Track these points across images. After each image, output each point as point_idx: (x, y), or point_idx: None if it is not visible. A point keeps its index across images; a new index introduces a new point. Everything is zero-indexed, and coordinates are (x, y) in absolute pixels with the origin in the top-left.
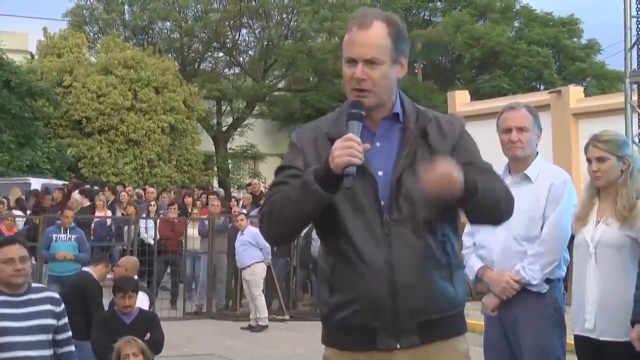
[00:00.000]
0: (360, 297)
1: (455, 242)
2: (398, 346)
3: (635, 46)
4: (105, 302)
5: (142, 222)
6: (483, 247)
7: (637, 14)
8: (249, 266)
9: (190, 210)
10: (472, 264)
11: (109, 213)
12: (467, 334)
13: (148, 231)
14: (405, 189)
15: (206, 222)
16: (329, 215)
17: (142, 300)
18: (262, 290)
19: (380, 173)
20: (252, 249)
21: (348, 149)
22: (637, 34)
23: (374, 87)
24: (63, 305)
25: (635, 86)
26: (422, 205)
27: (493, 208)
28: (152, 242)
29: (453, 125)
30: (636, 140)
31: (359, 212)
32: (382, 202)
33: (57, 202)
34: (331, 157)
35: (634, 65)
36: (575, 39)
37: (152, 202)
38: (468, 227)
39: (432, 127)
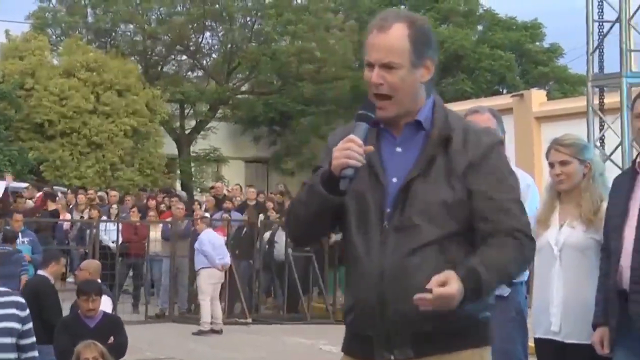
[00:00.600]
0: (357, 304)
1: (466, 250)
2: (392, 358)
3: (597, 50)
4: (66, 306)
5: (102, 226)
6: None
7: (599, 18)
8: (198, 271)
9: (150, 214)
10: None
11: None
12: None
13: (109, 234)
14: (412, 197)
15: (170, 226)
16: (342, 220)
17: (105, 304)
18: (217, 296)
19: (394, 180)
20: (200, 254)
21: (346, 151)
22: (599, 38)
23: (391, 92)
24: (28, 311)
25: (597, 90)
26: (427, 216)
27: (501, 282)
28: (112, 245)
29: (480, 141)
30: (598, 144)
31: (364, 218)
32: (388, 210)
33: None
34: (332, 158)
35: (596, 69)
36: (538, 43)
37: (114, 205)
38: None
39: (458, 136)
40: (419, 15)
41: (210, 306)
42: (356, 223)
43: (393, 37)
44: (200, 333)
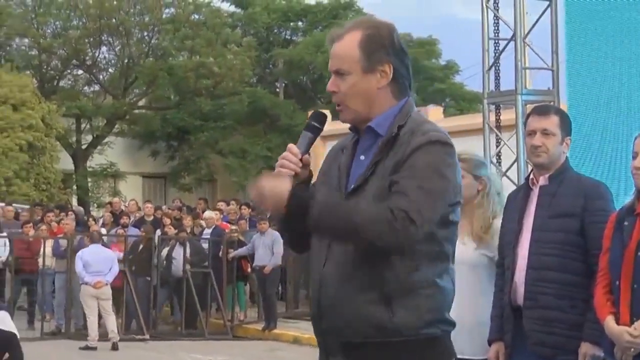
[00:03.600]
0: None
1: (405, 264)
2: None
3: (493, 68)
4: None
5: None
6: None
7: (495, 36)
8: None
9: (42, 228)
10: None
11: None
12: None
13: None
14: None
15: (60, 242)
16: None
17: (4, 319)
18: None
19: (352, 186)
20: None
21: (280, 160)
22: (495, 55)
23: (344, 99)
24: None
25: (492, 107)
26: None
27: (339, 235)
28: (3, 260)
29: (411, 141)
30: (494, 160)
31: None
32: None
33: None
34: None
35: (492, 87)
36: (434, 60)
37: None
38: None
39: (400, 140)
40: (380, 22)
41: (96, 322)
42: None
43: (342, 45)
44: (87, 348)
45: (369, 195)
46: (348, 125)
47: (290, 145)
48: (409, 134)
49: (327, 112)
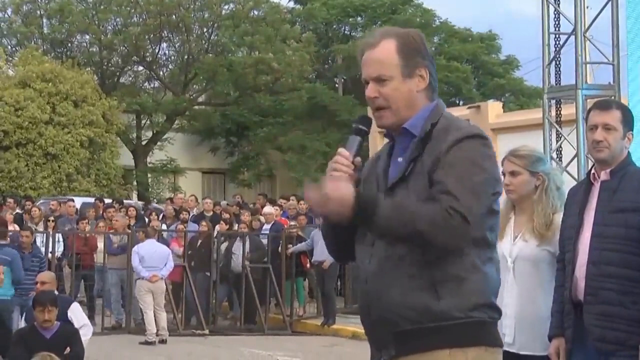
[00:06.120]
0: (359, 309)
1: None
2: (383, 358)
3: (553, 62)
4: None
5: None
6: None
7: (555, 30)
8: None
9: (99, 224)
10: None
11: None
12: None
13: (55, 246)
14: None
15: (113, 239)
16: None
17: (75, 311)
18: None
19: (391, 182)
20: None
21: (332, 164)
22: (555, 50)
23: (387, 102)
24: None
25: (553, 102)
26: None
27: (401, 237)
28: (59, 255)
29: (447, 137)
30: (554, 155)
31: None
32: None
33: None
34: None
35: (552, 81)
36: (493, 55)
37: (51, 218)
38: None
39: (434, 138)
40: (410, 29)
41: (152, 317)
42: (359, 230)
43: (380, 52)
44: (146, 343)
45: (411, 193)
46: (383, 130)
47: (341, 149)
48: (443, 130)
49: None
